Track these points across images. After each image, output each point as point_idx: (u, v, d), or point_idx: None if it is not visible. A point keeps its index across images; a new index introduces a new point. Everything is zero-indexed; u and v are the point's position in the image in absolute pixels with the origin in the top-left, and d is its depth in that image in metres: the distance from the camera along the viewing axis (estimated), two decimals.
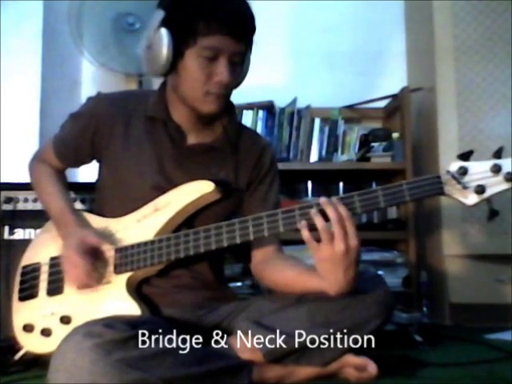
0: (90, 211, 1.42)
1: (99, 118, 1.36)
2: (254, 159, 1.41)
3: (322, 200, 1.14)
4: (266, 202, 1.40)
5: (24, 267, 1.39)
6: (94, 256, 1.25)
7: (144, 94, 1.45)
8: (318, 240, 1.13)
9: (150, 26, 1.25)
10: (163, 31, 1.21)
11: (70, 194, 1.48)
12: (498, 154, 1.10)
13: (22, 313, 1.33)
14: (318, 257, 1.15)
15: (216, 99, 1.26)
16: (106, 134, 1.36)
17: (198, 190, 1.29)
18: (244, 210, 1.40)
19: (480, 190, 1.09)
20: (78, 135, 1.40)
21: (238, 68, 1.27)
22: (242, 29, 1.22)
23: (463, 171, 1.10)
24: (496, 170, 1.08)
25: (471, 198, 1.10)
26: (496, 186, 1.08)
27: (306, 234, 1.13)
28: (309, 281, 1.23)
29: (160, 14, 1.23)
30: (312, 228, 1.14)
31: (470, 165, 1.10)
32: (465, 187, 1.09)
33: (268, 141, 1.55)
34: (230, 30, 1.19)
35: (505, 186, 1.08)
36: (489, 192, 1.09)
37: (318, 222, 1.12)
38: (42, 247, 1.40)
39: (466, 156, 1.11)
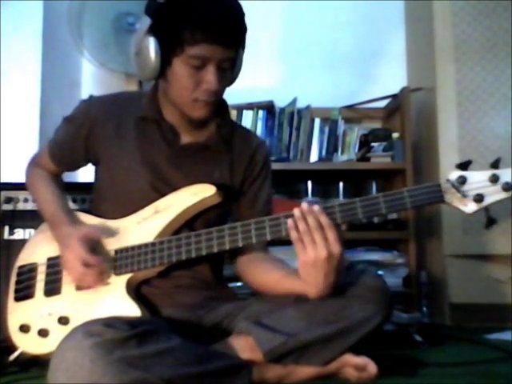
0: (89, 212, 1.41)
1: (92, 120, 1.37)
2: (247, 157, 1.41)
3: (304, 207, 1.16)
4: (257, 201, 1.41)
5: (20, 267, 1.39)
6: (96, 253, 1.25)
7: (137, 95, 1.46)
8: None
9: (138, 32, 1.25)
10: (150, 39, 1.21)
11: (66, 197, 1.47)
12: (495, 165, 1.14)
13: (18, 313, 1.32)
14: (301, 259, 1.16)
15: (205, 106, 1.26)
16: (99, 136, 1.36)
17: (198, 193, 1.30)
18: (235, 207, 1.41)
19: (479, 198, 1.12)
20: (71, 138, 1.40)
21: (228, 72, 1.27)
22: (229, 36, 1.20)
23: (462, 180, 1.13)
24: (494, 179, 1.12)
25: (470, 207, 1.13)
26: (494, 195, 1.12)
27: (294, 234, 1.15)
28: (291, 283, 1.24)
29: (147, 21, 1.22)
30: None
31: (469, 174, 1.14)
32: (464, 196, 1.13)
33: (262, 139, 1.55)
34: (216, 38, 1.18)
35: (503, 195, 1.12)
36: (487, 201, 1.12)
37: (300, 225, 1.15)
38: (39, 247, 1.39)
39: (464, 165, 1.15)
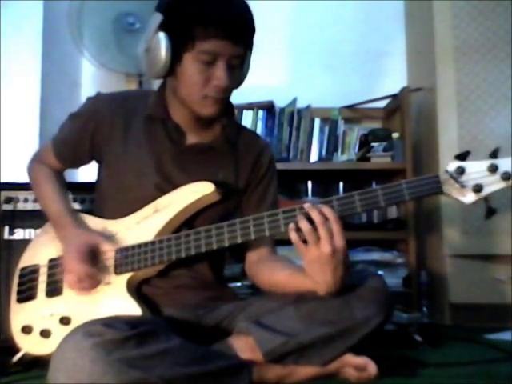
0: (90, 212, 1.42)
1: (99, 118, 1.36)
2: (252, 159, 1.41)
3: (306, 205, 1.15)
4: (263, 204, 1.40)
5: (22, 269, 1.39)
6: (95, 258, 1.26)
7: (143, 93, 1.45)
8: (306, 242, 1.13)
9: (148, 29, 1.25)
10: (161, 35, 1.21)
11: (69, 195, 1.47)
12: (494, 154, 1.12)
13: (21, 314, 1.32)
14: (306, 258, 1.16)
15: (214, 103, 1.26)
16: (105, 133, 1.36)
17: (198, 190, 1.29)
18: (240, 210, 1.40)
19: (477, 188, 1.11)
20: (77, 135, 1.39)
21: (237, 70, 1.27)
22: (240, 32, 1.21)
23: (461, 171, 1.12)
24: (493, 169, 1.10)
25: (469, 197, 1.12)
26: (493, 184, 1.11)
27: (294, 236, 1.14)
28: (300, 282, 1.23)
29: (158, 18, 1.23)
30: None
31: (468, 164, 1.12)
32: (463, 186, 1.11)
33: (267, 141, 1.55)
34: (227, 33, 1.19)
35: (502, 184, 1.10)
36: (486, 191, 1.11)
37: (303, 224, 1.13)
38: (41, 249, 1.39)
39: (463, 156, 1.13)
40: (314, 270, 1.16)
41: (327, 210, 1.14)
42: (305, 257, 1.15)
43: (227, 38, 1.19)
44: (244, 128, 1.51)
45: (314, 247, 1.13)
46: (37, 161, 1.48)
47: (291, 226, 1.14)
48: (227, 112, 1.36)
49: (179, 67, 1.24)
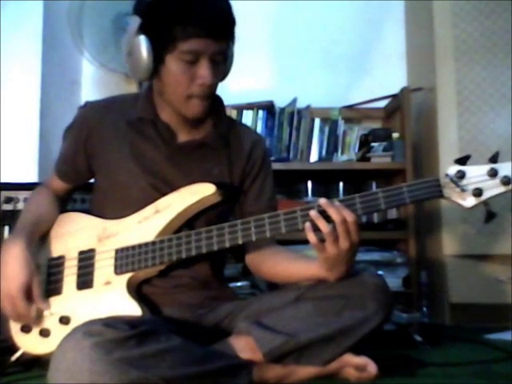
0: (90, 212, 1.41)
1: (89, 125, 1.37)
2: (245, 155, 1.41)
3: (323, 202, 1.15)
4: (260, 199, 1.41)
5: None
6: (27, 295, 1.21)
7: (132, 97, 1.45)
8: (322, 240, 1.14)
9: (129, 32, 1.25)
10: (141, 38, 1.21)
11: (54, 216, 1.42)
12: (494, 159, 1.13)
13: None
14: (322, 256, 1.17)
15: (200, 102, 1.26)
16: (96, 139, 1.37)
17: (198, 192, 1.29)
18: (238, 205, 1.40)
19: (477, 192, 1.11)
20: (73, 147, 1.41)
21: (221, 65, 1.27)
22: (220, 28, 1.21)
23: (461, 175, 1.13)
24: (493, 173, 1.11)
25: (469, 201, 1.13)
26: (493, 189, 1.11)
27: (312, 238, 1.14)
28: (311, 270, 1.25)
29: (136, 21, 1.22)
30: (314, 229, 1.15)
31: (468, 169, 1.13)
32: (463, 190, 1.12)
33: (260, 136, 1.55)
34: (208, 31, 1.18)
35: (501, 189, 1.11)
36: (486, 195, 1.12)
37: (322, 225, 1.13)
38: (40, 249, 1.39)
39: (463, 160, 1.14)
40: (329, 265, 1.19)
41: (346, 211, 1.14)
42: (322, 254, 1.17)
43: (208, 35, 1.19)
44: (237, 123, 1.51)
45: (332, 245, 1.14)
46: (42, 185, 1.48)
47: (308, 225, 1.14)
48: (216, 109, 1.36)
49: (163, 69, 1.24)
